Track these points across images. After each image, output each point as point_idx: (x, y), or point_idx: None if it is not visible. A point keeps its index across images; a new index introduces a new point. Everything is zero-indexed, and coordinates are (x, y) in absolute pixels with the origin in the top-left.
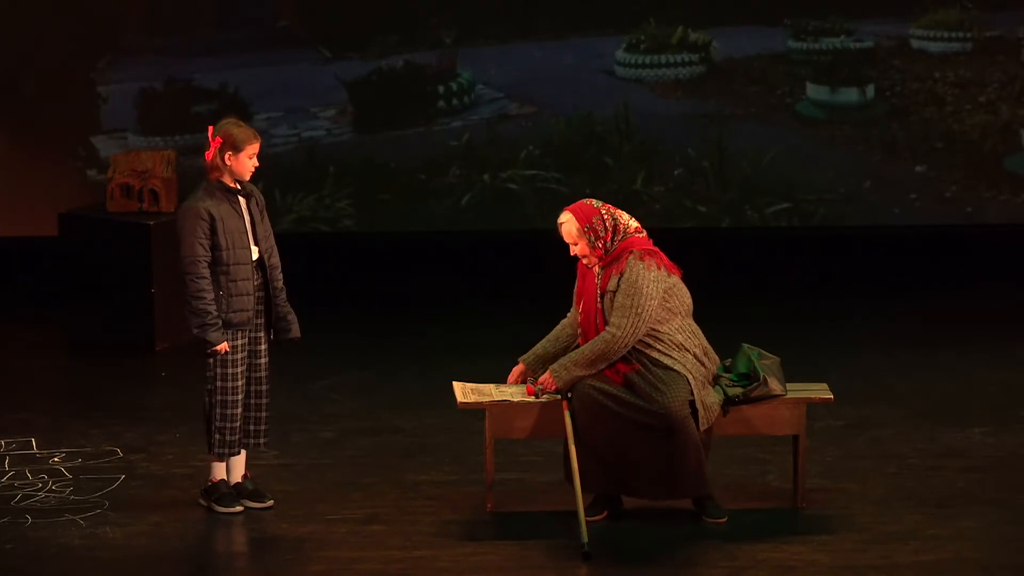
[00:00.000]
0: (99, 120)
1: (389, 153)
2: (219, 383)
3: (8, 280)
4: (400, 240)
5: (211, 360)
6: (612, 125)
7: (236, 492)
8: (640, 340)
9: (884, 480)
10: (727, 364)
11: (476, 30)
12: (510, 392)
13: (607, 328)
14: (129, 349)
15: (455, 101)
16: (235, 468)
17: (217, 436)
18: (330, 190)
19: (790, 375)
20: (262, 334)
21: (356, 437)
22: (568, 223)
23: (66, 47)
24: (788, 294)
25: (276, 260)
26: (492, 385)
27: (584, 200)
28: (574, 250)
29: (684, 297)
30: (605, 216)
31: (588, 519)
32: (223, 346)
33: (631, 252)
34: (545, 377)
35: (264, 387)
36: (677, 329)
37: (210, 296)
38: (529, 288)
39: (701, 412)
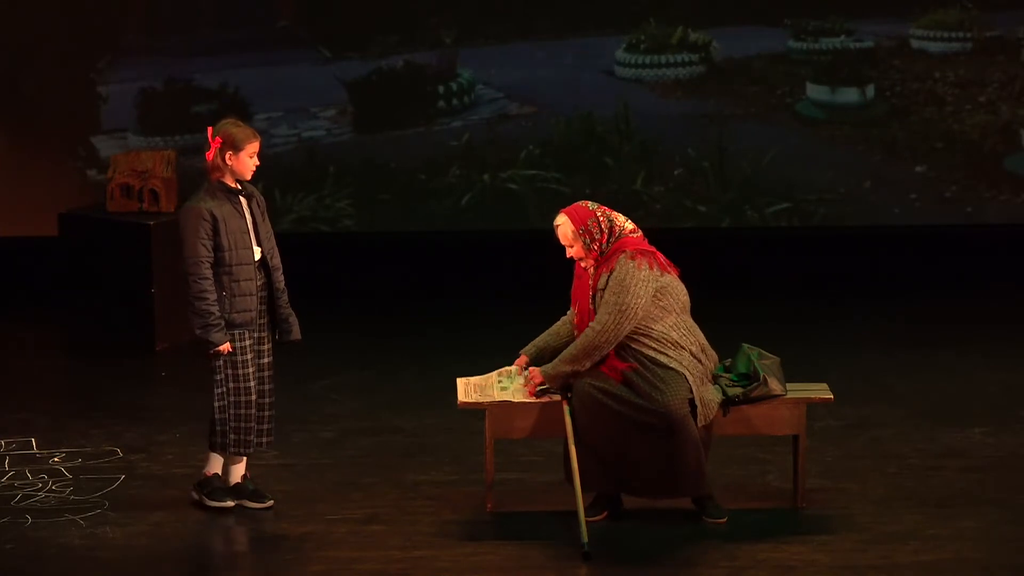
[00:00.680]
0: (99, 120)
1: (389, 153)
2: (231, 384)
3: (8, 280)
4: (400, 240)
5: (220, 361)
6: (612, 125)
7: (236, 493)
8: (634, 339)
9: (884, 480)
10: (727, 364)
11: (476, 30)
12: (512, 388)
13: (591, 324)
14: (129, 349)
15: (455, 101)
16: (235, 468)
17: (233, 436)
18: (330, 190)
19: (790, 375)
20: (266, 334)
21: (356, 437)
22: (564, 225)
23: (66, 47)
24: (788, 294)
25: (277, 261)
26: (495, 374)
27: (580, 202)
28: (570, 252)
29: (679, 295)
30: (601, 218)
31: (588, 519)
32: (226, 347)
33: (623, 252)
34: (533, 370)
35: (268, 387)
36: (671, 327)
37: (213, 297)
38: (529, 288)
39: (700, 409)
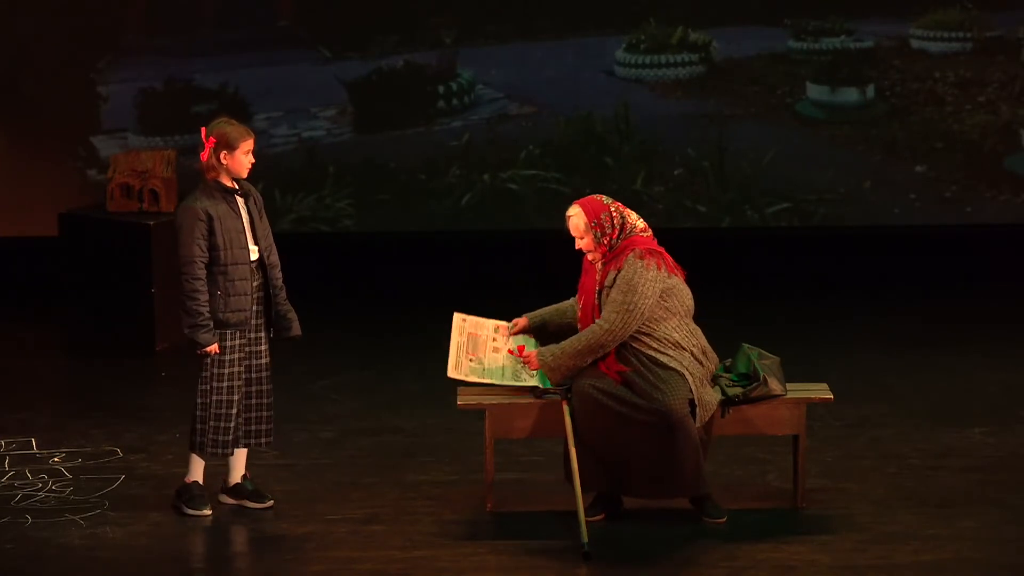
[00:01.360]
0: (99, 120)
1: (389, 153)
2: (214, 383)
3: (8, 280)
4: (400, 240)
5: (207, 360)
6: (612, 125)
7: (236, 492)
8: (636, 339)
9: (884, 480)
10: (727, 364)
11: (476, 30)
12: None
13: (597, 321)
14: (129, 349)
15: (455, 101)
16: (235, 468)
17: (211, 435)
18: (330, 190)
19: (790, 375)
20: (263, 334)
21: (356, 437)
22: (576, 216)
23: (66, 47)
24: (788, 294)
25: (275, 259)
26: (491, 324)
27: (595, 196)
28: (579, 244)
29: (684, 298)
30: (614, 213)
31: (588, 519)
32: (213, 348)
33: (632, 250)
34: (531, 354)
35: (266, 387)
36: (674, 328)
37: (204, 297)
38: (529, 288)
39: (698, 410)
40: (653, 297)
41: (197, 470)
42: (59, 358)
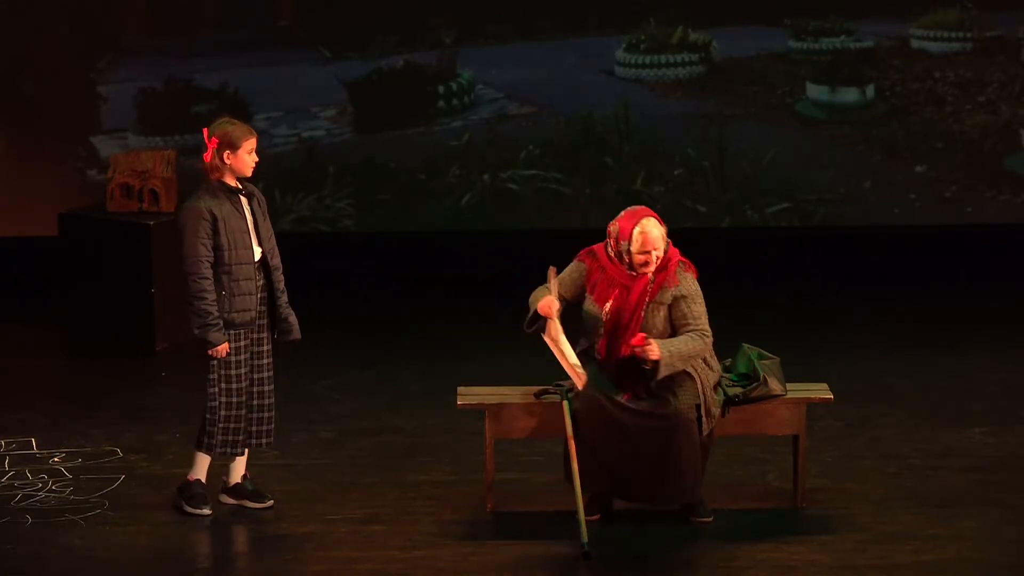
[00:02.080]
0: (99, 120)
1: (389, 153)
2: (222, 384)
3: (8, 280)
4: (400, 240)
5: (214, 361)
6: (612, 125)
7: (236, 492)
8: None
9: (884, 480)
10: (727, 364)
11: (476, 30)
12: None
13: (701, 332)
14: (129, 349)
15: (455, 101)
16: (235, 468)
17: (220, 436)
18: (330, 190)
19: (790, 375)
20: (265, 335)
21: (356, 437)
22: (655, 227)
23: (66, 47)
24: (788, 294)
25: (277, 261)
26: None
27: (637, 207)
28: (646, 258)
29: None
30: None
31: (587, 518)
32: (223, 347)
33: (678, 262)
34: (653, 347)
35: (267, 387)
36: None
37: (212, 297)
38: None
39: (705, 418)
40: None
41: (201, 468)
42: (59, 358)
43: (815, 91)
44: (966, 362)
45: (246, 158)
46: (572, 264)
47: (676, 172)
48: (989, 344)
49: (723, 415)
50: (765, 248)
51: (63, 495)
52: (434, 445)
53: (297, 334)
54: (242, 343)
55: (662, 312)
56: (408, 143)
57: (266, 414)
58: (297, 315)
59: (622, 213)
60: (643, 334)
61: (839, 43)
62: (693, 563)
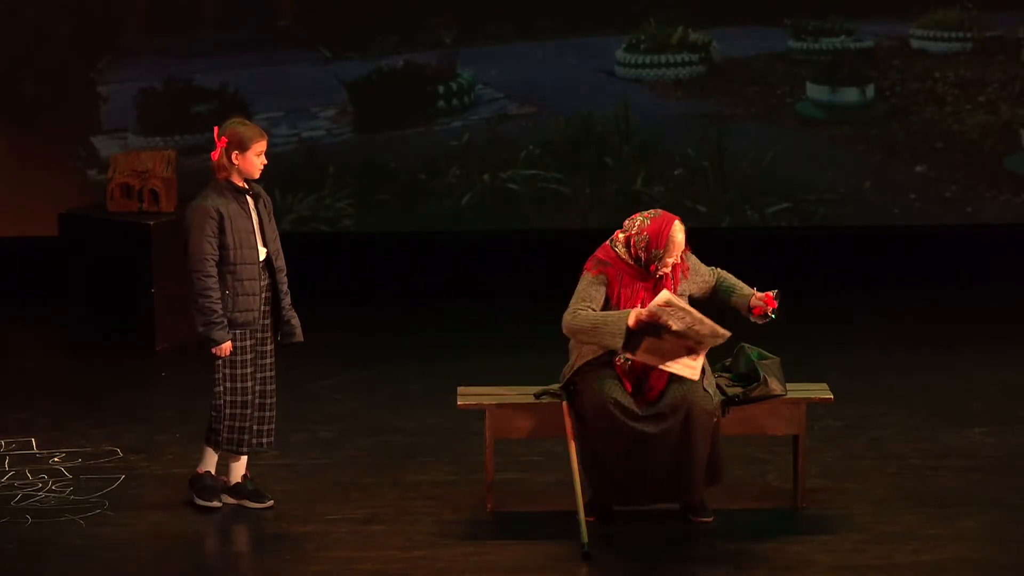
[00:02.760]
0: (99, 120)
1: (389, 153)
2: (228, 383)
3: (8, 280)
4: (400, 240)
5: (220, 360)
6: (612, 125)
7: (236, 492)
8: None
9: (884, 480)
10: (727, 364)
11: (476, 30)
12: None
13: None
14: (129, 349)
15: (455, 101)
16: (235, 468)
17: (226, 434)
18: (330, 190)
19: (790, 375)
20: (269, 335)
21: (356, 437)
22: (681, 233)
23: (66, 47)
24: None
25: (282, 263)
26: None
27: (662, 210)
28: (674, 260)
29: None
30: None
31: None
32: (227, 346)
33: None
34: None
35: (270, 387)
36: None
37: (216, 295)
38: (529, 288)
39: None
40: None
41: (210, 461)
42: (59, 358)
43: (815, 91)
44: (966, 362)
45: (254, 160)
46: (590, 278)
47: (676, 172)
48: (989, 344)
49: (723, 415)
50: (765, 248)
51: (63, 495)
52: (434, 445)
53: (300, 336)
54: (248, 342)
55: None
56: (408, 143)
57: (267, 413)
58: (299, 316)
59: (646, 220)
60: (771, 294)
61: (839, 43)
62: (693, 563)
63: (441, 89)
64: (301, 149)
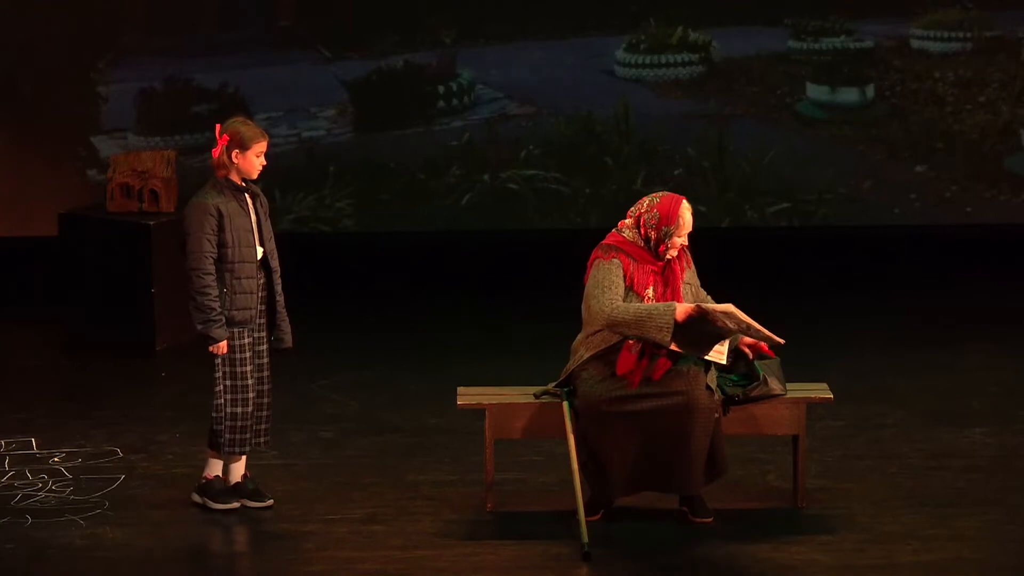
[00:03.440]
0: (99, 120)
1: (389, 153)
2: (228, 382)
3: (8, 280)
4: (400, 240)
5: (219, 359)
6: (612, 125)
7: (236, 492)
8: None
9: (884, 480)
10: (727, 364)
11: (476, 30)
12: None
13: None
14: (129, 349)
15: (455, 101)
16: (235, 468)
17: (228, 435)
18: (330, 190)
19: (790, 375)
20: (265, 334)
21: (356, 437)
22: (689, 212)
23: (66, 47)
24: (788, 294)
25: (276, 264)
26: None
27: (668, 192)
28: (682, 241)
29: None
30: None
31: (587, 518)
32: (223, 344)
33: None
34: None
35: (266, 387)
36: None
37: (214, 292)
38: (529, 288)
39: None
40: None
41: (216, 466)
42: (59, 358)
43: (815, 91)
44: (966, 362)
45: (254, 160)
46: (606, 265)
47: (676, 172)
48: (989, 344)
49: (723, 415)
50: (765, 248)
51: (63, 495)
52: (434, 445)
53: (289, 343)
54: (246, 340)
55: (690, 292)
56: (408, 143)
57: (265, 413)
58: (297, 315)
59: (656, 199)
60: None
61: (839, 43)
62: (693, 563)
63: (441, 89)
64: (301, 149)
